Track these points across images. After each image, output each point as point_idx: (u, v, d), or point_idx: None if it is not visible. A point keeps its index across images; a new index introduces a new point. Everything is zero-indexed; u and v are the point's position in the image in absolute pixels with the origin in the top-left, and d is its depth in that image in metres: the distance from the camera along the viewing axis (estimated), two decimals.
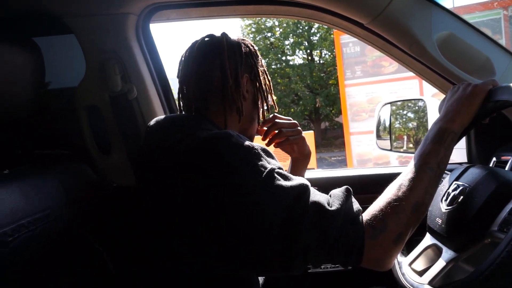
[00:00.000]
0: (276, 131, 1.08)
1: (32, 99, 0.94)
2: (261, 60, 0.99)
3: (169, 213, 0.75)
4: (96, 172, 1.15)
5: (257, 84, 0.95)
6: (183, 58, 0.95)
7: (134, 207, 0.98)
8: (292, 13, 1.20)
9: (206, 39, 0.94)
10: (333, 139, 16.36)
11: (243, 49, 0.93)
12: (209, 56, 0.90)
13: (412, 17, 1.04)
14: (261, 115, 1.02)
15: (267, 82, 0.99)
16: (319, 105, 14.89)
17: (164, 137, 0.83)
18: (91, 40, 1.13)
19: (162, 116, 0.92)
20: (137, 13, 1.15)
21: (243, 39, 0.97)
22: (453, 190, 0.87)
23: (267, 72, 1.00)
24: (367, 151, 5.75)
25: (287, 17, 1.25)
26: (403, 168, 1.42)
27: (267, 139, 1.09)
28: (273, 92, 1.02)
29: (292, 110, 15.11)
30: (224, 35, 0.95)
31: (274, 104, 1.03)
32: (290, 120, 1.10)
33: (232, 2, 1.16)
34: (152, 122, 0.91)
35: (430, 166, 0.73)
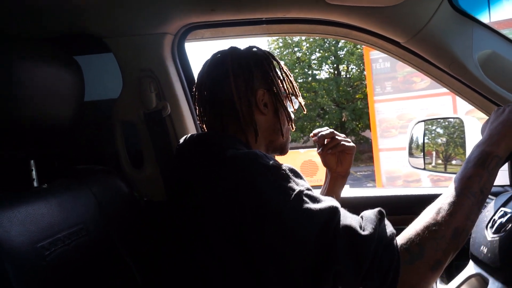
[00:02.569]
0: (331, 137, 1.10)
1: (73, 116, 0.97)
2: (276, 65, 0.94)
3: (198, 231, 0.75)
4: (128, 186, 1.17)
5: (274, 95, 0.91)
6: (197, 82, 0.94)
7: (164, 222, 0.98)
8: (327, 32, 1.19)
9: (215, 58, 0.93)
10: (359, 154, 16.08)
11: (251, 61, 0.90)
12: (217, 81, 0.89)
13: (452, 36, 1.01)
14: (286, 122, 0.96)
15: (288, 86, 0.95)
16: (345, 120, 14.73)
17: (193, 155, 0.83)
18: (129, 59, 1.16)
19: (192, 134, 0.92)
20: (173, 33, 1.18)
21: (253, 47, 0.94)
22: (499, 217, 0.82)
23: (288, 73, 0.95)
24: (396, 168, 5.59)
25: (321, 36, 1.25)
26: (437, 189, 1.37)
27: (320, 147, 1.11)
28: (298, 93, 0.98)
29: (318, 124, 15.03)
30: (230, 51, 0.92)
31: (302, 106, 1.00)
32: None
33: (266, 21, 1.17)
34: (182, 140, 0.92)
35: (472, 191, 0.69)
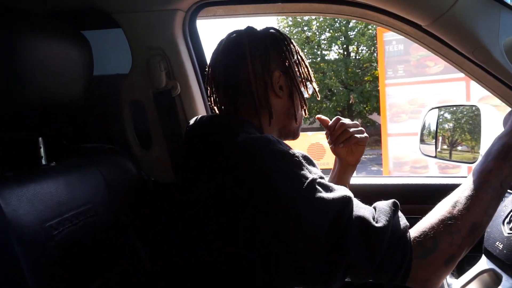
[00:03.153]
0: (342, 131, 1.04)
1: (82, 92, 0.95)
2: (294, 47, 0.92)
3: (208, 219, 0.74)
4: (136, 166, 1.16)
5: (290, 77, 0.89)
6: (211, 61, 0.92)
7: (173, 207, 0.97)
8: (343, 12, 1.14)
9: (230, 37, 0.90)
10: None
11: (268, 42, 0.87)
12: (232, 61, 0.86)
13: (478, 20, 0.96)
14: (300, 107, 0.95)
15: (304, 70, 0.93)
16: (353, 102, 14.58)
17: (203, 138, 0.81)
18: (138, 36, 1.13)
19: (202, 116, 0.90)
20: (185, 10, 1.13)
21: (270, 28, 0.91)
22: None
23: (303, 57, 0.93)
24: (404, 154, 5.53)
25: (337, 16, 1.20)
26: (451, 179, 1.34)
27: (333, 139, 1.06)
28: (313, 78, 0.96)
29: (325, 105, 14.90)
30: (246, 31, 0.89)
31: (316, 92, 0.98)
32: (351, 121, 1.06)
33: None
34: (191, 121, 0.90)
35: (492, 185, 0.67)
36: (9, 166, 0.83)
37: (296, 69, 0.91)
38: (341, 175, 1.11)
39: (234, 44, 0.88)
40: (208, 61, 0.93)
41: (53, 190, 0.82)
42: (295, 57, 0.92)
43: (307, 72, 0.94)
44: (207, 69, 0.93)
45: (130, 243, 0.98)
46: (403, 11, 1.02)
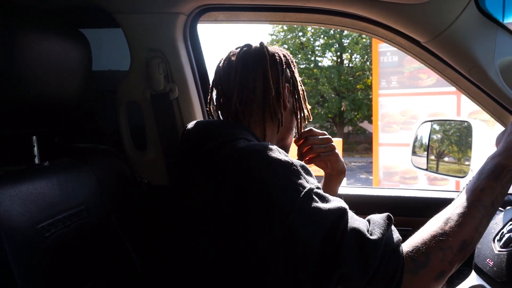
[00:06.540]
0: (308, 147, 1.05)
1: (79, 92, 0.94)
2: (297, 70, 0.97)
3: (201, 221, 0.74)
4: (130, 168, 1.15)
5: (296, 94, 0.94)
6: (221, 67, 0.93)
7: (166, 211, 0.97)
8: (344, 24, 1.15)
9: (245, 48, 0.92)
10: (355, 144, 16.14)
11: (282, 58, 0.92)
12: (251, 66, 0.89)
13: (475, 39, 0.98)
14: (299, 125, 1.00)
15: (301, 92, 0.98)
16: (344, 109, 14.69)
17: (202, 142, 0.81)
18: (139, 37, 1.12)
19: (202, 120, 0.90)
20: (186, 13, 1.13)
21: (280, 49, 0.96)
22: (508, 231, 0.81)
23: (300, 82, 0.98)
24: (395, 164, 5.61)
25: (338, 27, 1.21)
26: (439, 193, 1.36)
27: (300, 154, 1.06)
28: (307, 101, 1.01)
29: (316, 111, 14.98)
30: (263, 45, 0.93)
31: (309, 114, 1.01)
32: (325, 134, 1.06)
33: (283, 8, 1.13)
34: (190, 125, 0.90)
35: (484, 204, 0.68)
36: (3, 164, 0.81)
37: (300, 88, 0.96)
38: (326, 183, 1.12)
39: (254, 53, 0.90)
40: (210, 66, 0.95)
41: (46, 190, 0.80)
42: (299, 79, 0.97)
43: (303, 95, 0.99)
44: (214, 74, 0.94)
45: (121, 245, 0.97)
46: (404, 28, 1.04)
